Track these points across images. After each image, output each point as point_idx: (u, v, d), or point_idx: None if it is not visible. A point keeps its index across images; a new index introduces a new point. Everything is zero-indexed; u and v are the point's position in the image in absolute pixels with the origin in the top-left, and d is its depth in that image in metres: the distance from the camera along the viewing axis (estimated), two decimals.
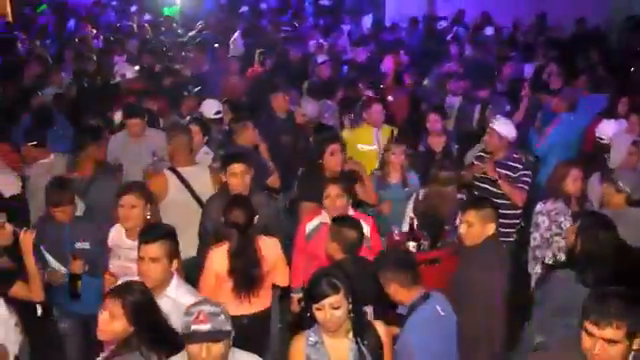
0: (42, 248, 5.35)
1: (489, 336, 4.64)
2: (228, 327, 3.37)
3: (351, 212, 5.54)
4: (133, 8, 18.89)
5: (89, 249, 5.34)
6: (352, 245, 4.78)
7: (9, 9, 19.23)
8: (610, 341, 3.09)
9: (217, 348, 3.33)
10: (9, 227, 4.84)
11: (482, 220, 4.73)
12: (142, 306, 3.64)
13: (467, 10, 16.46)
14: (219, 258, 5.02)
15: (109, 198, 5.39)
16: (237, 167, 5.63)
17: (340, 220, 4.97)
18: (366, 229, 5.35)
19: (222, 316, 3.37)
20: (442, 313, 4.13)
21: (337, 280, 3.74)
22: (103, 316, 3.62)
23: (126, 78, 9.96)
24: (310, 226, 5.59)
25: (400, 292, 4.12)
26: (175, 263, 4.29)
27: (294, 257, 5.66)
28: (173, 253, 4.28)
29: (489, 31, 14.47)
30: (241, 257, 4.95)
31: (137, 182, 5.65)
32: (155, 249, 4.18)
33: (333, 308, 3.71)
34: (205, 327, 3.30)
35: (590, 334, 3.13)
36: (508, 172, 6.48)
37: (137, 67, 10.91)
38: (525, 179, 6.51)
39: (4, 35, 15.33)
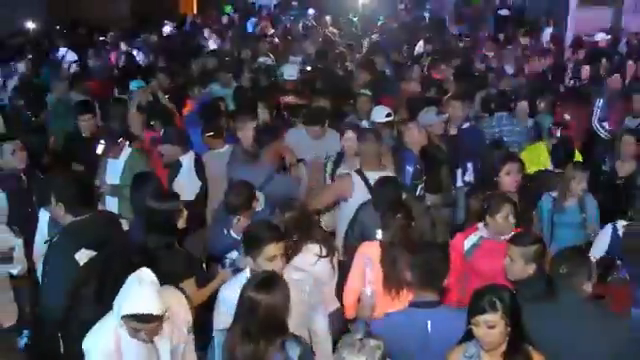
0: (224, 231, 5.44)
1: None
2: None
3: None
4: (311, 11, 19.32)
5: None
6: (538, 257, 4.54)
7: (195, 9, 20.33)
8: None
9: None
10: (185, 212, 4.87)
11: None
12: None
13: None
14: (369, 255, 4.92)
15: (285, 193, 5.67)
16: None
17: (520, 237, 4.69)
18: None
19: (378, 353, 3.34)
20: (429, 330, 4.01)
21: (498, 300, 3.59)
22: None
23: (286, 78, 10.06)
24: (469, 242, 5.32)
25: (412, 289, 4.21)
26: None
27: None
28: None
29: None
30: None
31: None
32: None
33: (488, 327, 3.58)
34: None
35: None
36: None
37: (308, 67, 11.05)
38: None
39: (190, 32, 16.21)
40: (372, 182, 6.05)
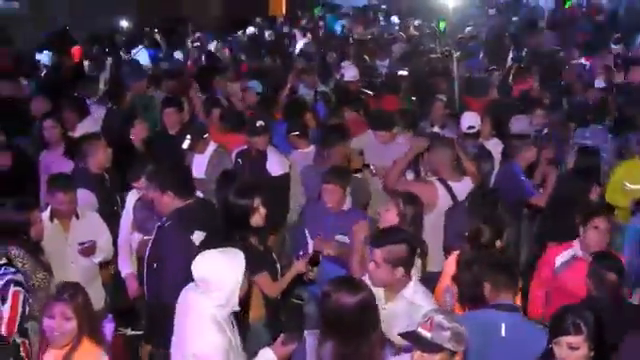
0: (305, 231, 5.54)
1: None
2: (449, 345, 3.20)
3: None
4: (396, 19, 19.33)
5: (347, 244, 5.38)
6: (609, 286, 4.42)
7: (284, 10, 20.62)
8: None
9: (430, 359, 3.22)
10: (263, 210, 4.82)
11: None
12: None
13: None
14: (452, 264, 4.94)
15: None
16: None
17: (601, 258, 4.61)
18: None
19: (448, 332, 3.21)
20: (503, 334, 3.97)
21: (582, 321, 3.48)
22: None
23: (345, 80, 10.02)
24: (561, 259, 5.19)
25: (491, 293, 4.17)
26: (400, 270, 4.07)
27: (533, 288, 5.31)
28: (400, 260, 4.07)
29: None
30: (468, 270, 4.72)
31: None
32: (378, 254, 4.08)
33: (570, 348, 3.48)
34: (425, 334, 3.22)
35: None
36: None
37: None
38: None
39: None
40: (455, 191, 5.93)
